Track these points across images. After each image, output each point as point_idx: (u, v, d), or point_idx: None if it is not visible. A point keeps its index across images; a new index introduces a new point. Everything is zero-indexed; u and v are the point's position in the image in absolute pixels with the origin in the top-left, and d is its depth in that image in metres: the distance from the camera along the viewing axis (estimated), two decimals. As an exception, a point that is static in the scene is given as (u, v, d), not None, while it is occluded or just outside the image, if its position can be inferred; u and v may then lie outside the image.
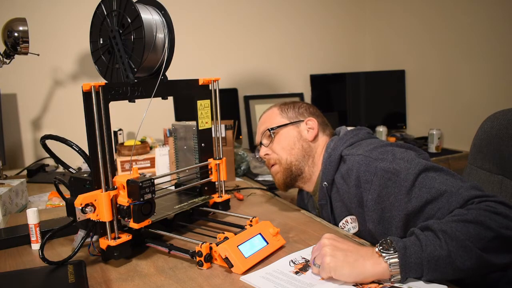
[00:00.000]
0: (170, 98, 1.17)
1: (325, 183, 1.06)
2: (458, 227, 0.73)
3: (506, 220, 0.74)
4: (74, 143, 0.88)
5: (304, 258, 0.85)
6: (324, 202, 1.09)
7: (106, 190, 0.83)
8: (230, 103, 2.25)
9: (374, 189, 0.92)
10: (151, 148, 1.85)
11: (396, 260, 0.72)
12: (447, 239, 0.72)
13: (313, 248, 0.81)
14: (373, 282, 0.74)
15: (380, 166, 0.92)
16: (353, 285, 0.74)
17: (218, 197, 1.13)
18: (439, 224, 0.75)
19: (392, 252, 0.73)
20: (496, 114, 1.14)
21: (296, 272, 0.80)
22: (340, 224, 1.06)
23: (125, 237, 0.86)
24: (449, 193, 0.83)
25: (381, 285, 0.73)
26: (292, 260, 0.85)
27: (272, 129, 1.14)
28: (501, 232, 0.73)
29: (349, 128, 1.16)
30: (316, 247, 0.79)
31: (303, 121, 1.16)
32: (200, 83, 1.09)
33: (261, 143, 1.19)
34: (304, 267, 0.82)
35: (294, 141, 1.13)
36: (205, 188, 1.12)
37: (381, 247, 0.74)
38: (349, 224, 1.04)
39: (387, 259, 0.72)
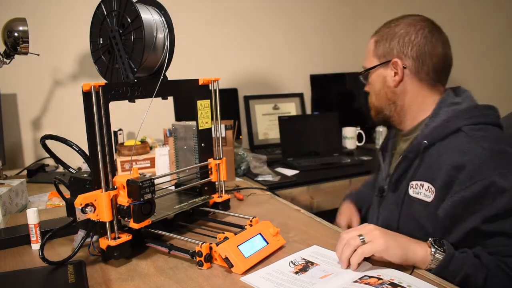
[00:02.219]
0: (170, 98, 1.17)
1: (426, 141, 0.95)
2: (502, 276, 0.80)
3: None
4: (74, 143, 0.88)
5: (304, 259, 0.85)
6: (411, 155, 0.99)
7: (106, 190, 0.83)
8: (230, 103, 2.25)
9: (472, 191, 0.84)
10: (151, 148, 1.85)
11: (440, 258, 0.80)
12: (488, 277, 0.79)
13: (348, 230, 0.85)
14: (372, 277, 0.74)
15: (493, 179, 0.83)
16: (353, 281, 0.74)
17: (218, 197, 1.13)
18: (490, 262, 0.80)
19: (441, 250, 0.81)
20: (510, 115, 1.15)
21: (296, 273, 0.80)
22: (413, 183, 0.98)
23: (125, 237, 0.86)
24: None
25: (380, 281, 0.73)
26: (292, 261, 0.85)
27: (366, 70, 1.09)
28: None
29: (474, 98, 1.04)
30: (360, 228, 0.84)
31: (390, 61, 1.03)
32: (200, 83, 1.09)
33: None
34: (304, 268, 0.82)
35: (380, 88, 1.07)
36: (205, 188, 1.12)
37: (433, 241, 0.83)
38: (423, 189, 0.95)
39: (433, 252, 0.81)
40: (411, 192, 0.98)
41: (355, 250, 0.80)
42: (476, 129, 0.91)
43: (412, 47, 1.00)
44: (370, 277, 0.76)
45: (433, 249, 0.81)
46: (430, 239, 0.83)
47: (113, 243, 0.84)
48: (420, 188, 0.96)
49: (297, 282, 0.76)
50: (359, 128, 2.27)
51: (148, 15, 0.94)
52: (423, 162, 0.97)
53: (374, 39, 1.08)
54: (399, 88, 1.03)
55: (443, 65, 1.01)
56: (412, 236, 0.85)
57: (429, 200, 0.93)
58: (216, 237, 0.88)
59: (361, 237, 0.80)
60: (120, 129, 1.94)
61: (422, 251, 0.81)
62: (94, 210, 0.82)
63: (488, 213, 0.83)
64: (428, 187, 0.94)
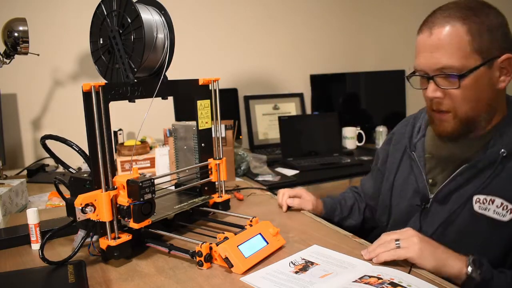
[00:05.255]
0: (170, 98, 1.17)
1: (504, 150, 0.84)
2: None
3: None
4: (74, 143, 0.88)
5: (304, 259, 0.85)
6: (481, 165, 0.86)
7: (106, 190, 0.83)
8: (230, 103, 2.25)
9: None
10: (151, 148, 1.85)
11: (473, 282, 0.76)
12: None
13: (389, 232, 0.84)
14: (372, 277, 0.74)
15: None
16: (353, 281, 0.74)
17: (218, 197, 1.13)
18: None
19: (478, 272, 0.76)
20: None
21: (296, 272, 0.80)
22: (480, 197, 0.86)
23: (125, 237, 0.86)
24: None
25: (380, 280, 0.73)
26: (292, 261, 0.85)
27: (462, 76, 0.82)
28: None
29: None
30: (400, 232, 0.83)
31: (498, 57, 0.83)
32: (200, 83, 1.09)
33: (432, 77, 0.86)
34: (304, 268, 0.82)
35: (483, 93, 0.84)
36: (205, 188, 1.12)
37: (473, 260, 0.78)
38: (493, 205, 0.84)
39: (470, 272, 0.77)
40: (476, 207, 0.86)
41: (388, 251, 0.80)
42: None
43: (509, 40, 0.85)
44: (370, 276, 0.76)
45: (469, 269, 0.77)
46: (470, 256, 0.78)
47: (113, 243, 0.84)
48: (489, 204, 0.85)
49: (297, 281, 0.76)
50: (359, 128, 2.27)
51: (148, 15, 0.94)
52: (497, 175, 0.85)
53: (466, 29, 0.82)
54: (502, 90, 0.87)
55: None
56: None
57: (505, 219, 0.83)
58: (216, 237, 0.88)
59: (397, 242, 0.80)
60: (120, 129, 1.94)
61: (457, 267, 0.78)
62: (94, 210, 0.82)
63: None
64: (503, 204, 0.84)
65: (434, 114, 0.91)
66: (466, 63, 0.82)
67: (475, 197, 0.87)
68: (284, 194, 1.19)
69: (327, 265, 0.82)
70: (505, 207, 0.83)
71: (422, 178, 0.98)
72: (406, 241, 0.80)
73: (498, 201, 0.84)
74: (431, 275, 0.78)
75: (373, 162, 1.25)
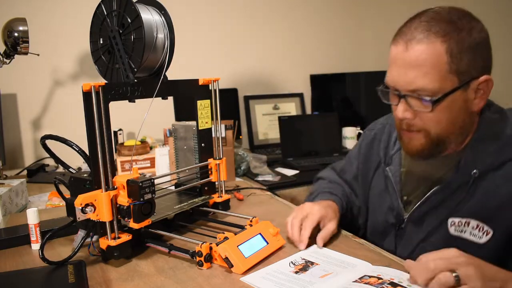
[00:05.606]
0: (170, 98, 1.17)
1: (476, 171, 0.81)
2: None
3: None
4: (74, 143, 0.88)
5: (304, 259, 0.85)
6: (455, 186, 0.84)
7: (106, 190, 0.83)
8: (230, 103, 2.25)
9: None
10: (151, 148, 1.85)
11: None
12: None
13: (436, 257, 0.70)
14: (372, 277, 0.74)
15: None
16: (353, 281, 0.74)
17: (218, 197, 1.13)
18: None
19: None
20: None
21: (296, 272, 0.80)
22: (454, 220, 0.84)
23: (125, 237, 0.86)
24: None
25: (380, 280, 0.73)
26: (292, 262, 0.85)
27: (436, 101, 0.77)
28: None
29: None
30: (450, 259, 0.68)
31: (476, 78, 0.78)
32: (200, 83, 1.09)
33: (403, 96, 0.81)
34: (304, 267, 0.82)
35: (457, 115, 0.80)
36: (205, 188, 1.12)
37: None
38: (469, 227, 0.82)
39: None
40: (452, 230, 0.84)
41: None
42: None
43: (491, 59, 0.81)
44: (370, 276, 0.76)
45: None
46: None
47: (113, 243, 0.84)
48: (465, 226, 0.83)
49: (297, 281, 0.76)
50: (359, 128, 2.27)
51: (148, 15, 0.94)
52: (471, 197, 0.82)
53: (445, 47, 0.75)
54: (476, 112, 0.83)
55: None
56: None
57: (481, 241, 0.81)
58: (216, 237, 0.88)
59: (455, 275, 0.65)
60: (120, 129, 1.94)
61: None
62: (94, 210, 0.82)
63: None
64: (478, 226, 0.81)
65: (404, 132, 0.87)
66: (442, 85, 0.77)
67: (450, 220, 0.85)
68: (305, 229, 0.92)
69: (327, 265, 0.82)
70: (481, 229, 0.81)
71: (396, 196, 0.96)
72: (465, 277, 0.65)
73: (473, 223, 0.82)
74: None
75: (347, 156, 1.26)
